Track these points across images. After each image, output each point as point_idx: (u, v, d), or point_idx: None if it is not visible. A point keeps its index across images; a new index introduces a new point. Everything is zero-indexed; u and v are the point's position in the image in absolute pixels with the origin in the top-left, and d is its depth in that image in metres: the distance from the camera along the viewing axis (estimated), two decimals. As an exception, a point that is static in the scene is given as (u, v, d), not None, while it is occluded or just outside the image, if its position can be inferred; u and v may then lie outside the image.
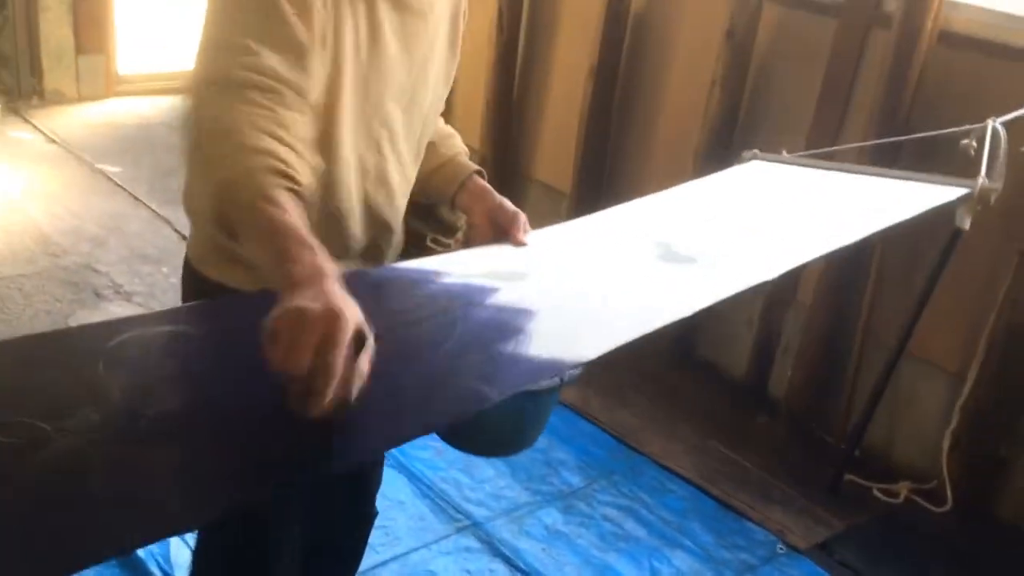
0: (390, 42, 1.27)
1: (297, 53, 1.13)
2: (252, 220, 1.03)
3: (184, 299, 1.43)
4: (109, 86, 5.12)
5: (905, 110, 2.60)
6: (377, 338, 0.98)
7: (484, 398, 1.06)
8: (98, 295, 3.26)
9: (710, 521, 2.53)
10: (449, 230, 3.92)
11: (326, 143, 1.24)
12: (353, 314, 0.94)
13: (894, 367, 2.61)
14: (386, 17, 1.26)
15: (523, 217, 1.48)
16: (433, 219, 4.11)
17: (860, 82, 2.75)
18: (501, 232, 1.47)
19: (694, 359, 3.28)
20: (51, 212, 3.81)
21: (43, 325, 3.05)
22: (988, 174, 1.98)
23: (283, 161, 1.06)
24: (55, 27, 4.83)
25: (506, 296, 1.25)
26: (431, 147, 1.52)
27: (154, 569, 2.13)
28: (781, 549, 2.45)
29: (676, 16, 3.22)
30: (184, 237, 3.55)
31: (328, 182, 1.27)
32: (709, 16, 3.04)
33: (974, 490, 2.64)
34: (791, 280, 2.97)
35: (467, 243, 1.51)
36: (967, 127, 2.14)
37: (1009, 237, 2.50)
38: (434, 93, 1.42)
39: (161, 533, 0.93)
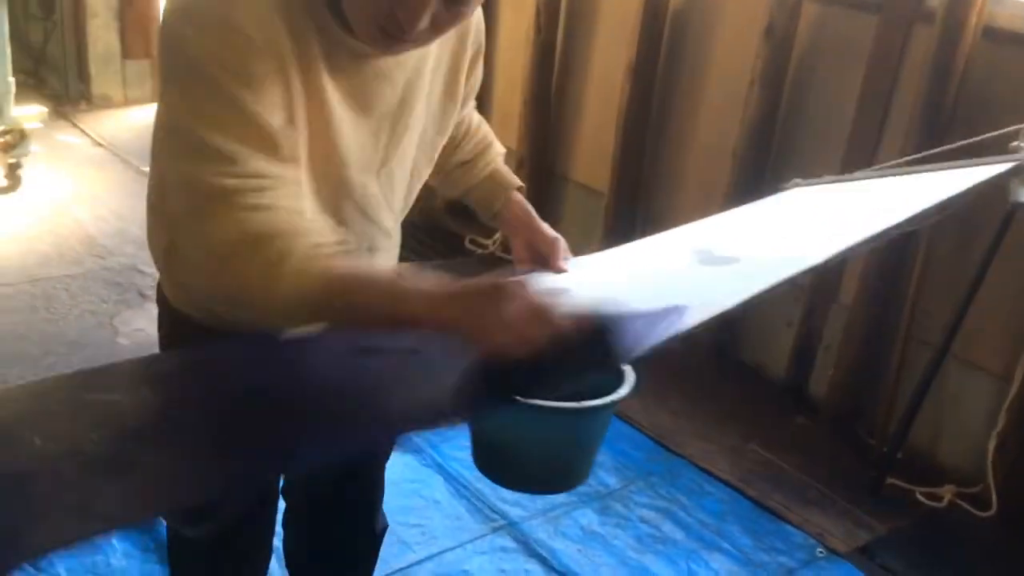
0: (338, 110, 1.18)
1: (272, 143, 1.08)
2: (332, 303, 1.02)
3: (160, 327, 1.44)
4: (155, 91, 5.21)
5: (949, 108, 2.56)
6: (414, 352, 1.01)
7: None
8: (142, 296, 3.31)
9: (748, 523, 2.50)
10: (487, 232, 3.93)
11: None
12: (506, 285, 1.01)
13: (938, 368, 2.57)
14: (330, 83, 1.16)
15: (563, 243, 1.49)
16: (471, 221, 4.12)
17: (902, 79, 2.71)
18: (541, 260, 1.48)
19: (733, 360, 3.25)
20: (97, 214, 3.88)
21: (89, 325, 3.11)
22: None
23: (311, 235, 1.06)
24: (102, 33, 4.92)
25: None
26: (466, 167, 1.53)
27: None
28: (821, 552, 2.42)
29: (715, 13, 3.19)
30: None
31: None
32: (748, 13, 3.01)
33: (1020, 494, 2.58)
34: (832, 280, 2.94)
35: (509, 257, 1.52)
36: (1016, 127, 2.09)
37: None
38: (421, 152, 1.35)
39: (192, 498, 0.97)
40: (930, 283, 2.67)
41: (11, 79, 3.90)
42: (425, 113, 1.31)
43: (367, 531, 1.74)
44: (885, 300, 2.79)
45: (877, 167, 2.37)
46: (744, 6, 3.06)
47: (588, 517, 2.46)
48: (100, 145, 4.59)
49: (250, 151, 1.06)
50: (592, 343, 1.02)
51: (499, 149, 1.58)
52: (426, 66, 1.28)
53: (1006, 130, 2.15)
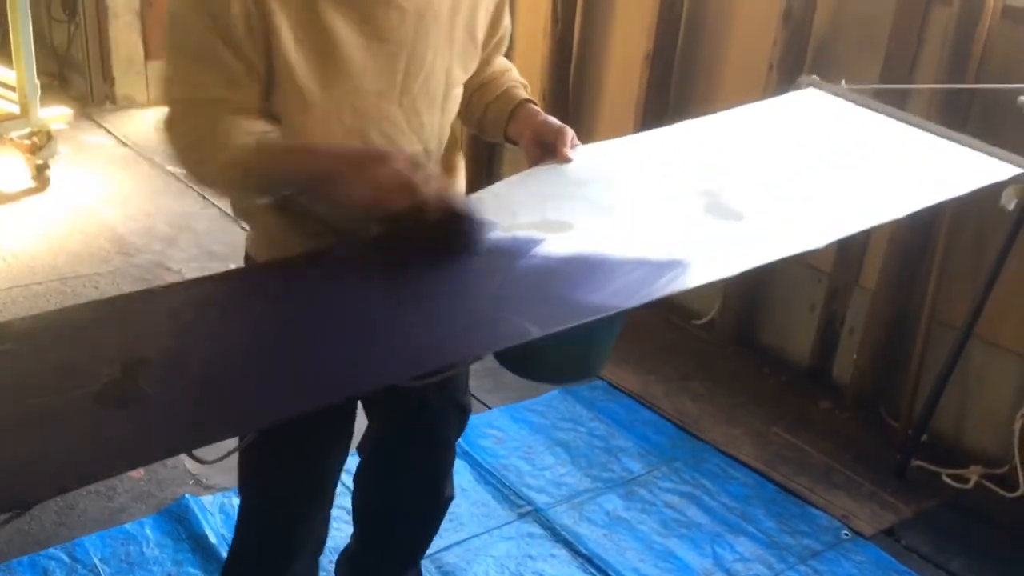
0: (345, 36, 1.31)
1: (230, 75, 1.30)
2: (259, 166, 1.31)
3: None
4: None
5: (968, 90, 2.54)
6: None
7: (526, 333, 1.15)
8: (169, 292, 3.35)
9: (773, 507, 2.51)
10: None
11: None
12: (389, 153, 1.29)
13: (962, 350, 2.56)
14: (332, 11, 1.30)
15: (570, 132, 1.54)
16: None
17: (921, 62, 2.70)
18: (549, 150, 1.52)
19: (756, 345, 3.26)
20: (124, 213, 3.93)
21: (118, 321, 3.15)
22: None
23: (248, 127, 1.31)
24: (125, 34, 4.97)
25: (552, 247, 1.32)
26: (482, 90, 1.59)
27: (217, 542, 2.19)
28: (846, 535, 2.43)
29: None
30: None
31: None
32: (766, -4, 3.01)
33: (1047, 475, 2.58)
34: (854, 263, 2.93)
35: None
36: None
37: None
38: (449, 81, 1.46)
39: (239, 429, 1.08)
40: (953, 264, 2.67)
41: (37, 81, 3.96)
42: (448, 50, 1.43)
43: (434, 495, 1.83)
44: (908, 283, 2.79)
45: (899, 87, 2.33)
46: (761, -10, 3.06)
47: (613, 503, 2.47)
48: (125, 145, 4.64)
49: (211, 79, 1.30)
50: (452, 225, 1.27)
51: (515, 78, 1.62)
52: (441, 3, 1.39)
53: (1018, 86, 2.14)
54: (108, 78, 5.02)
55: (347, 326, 1.15)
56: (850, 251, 2.93)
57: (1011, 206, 2.12)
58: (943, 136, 1.90)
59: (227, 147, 1.30)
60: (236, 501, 2.34)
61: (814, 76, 2.10)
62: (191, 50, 1.31)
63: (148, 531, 2.25)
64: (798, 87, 2.10)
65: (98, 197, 4.07)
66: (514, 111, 1.56)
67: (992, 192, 2.55)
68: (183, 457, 2.49)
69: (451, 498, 1.86)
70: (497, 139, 1.61)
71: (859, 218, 1.51)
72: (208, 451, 1.02)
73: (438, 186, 1.27)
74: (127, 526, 2.26)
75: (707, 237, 1.40)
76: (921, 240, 2.73)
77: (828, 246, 1.43)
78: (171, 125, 1.36)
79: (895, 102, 2.65)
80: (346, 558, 1.96)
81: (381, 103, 1.38)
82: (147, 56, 5.08)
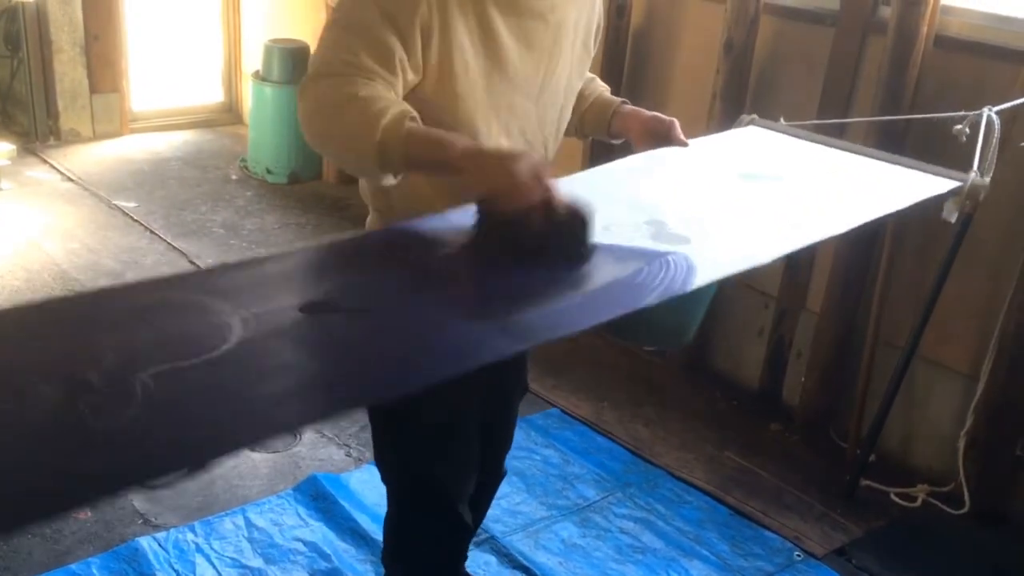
0: (507, 43, 1.51)
1: (386, 56, 1.41)
2: (406, 140, 1.35)
3: None
4: (123, 124, 5.21)
5: (904, 114, 2.62)
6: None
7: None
8: (116, 328, 3.30)
9: (726, 530, 2.53)
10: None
11: (467, 130, 1.52)
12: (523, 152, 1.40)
13: (906, 370, 2.62)
14: (499, 21, 1.49)
15: (677, 123, 1.73)
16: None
17: (859, 89, 2.77)
18: (663, 138, 1.73)
19: (707, 370, 3.29)
20: (69, 248, 3.88)
21: (63, 359, 3.09)
22: (980, 167, 1.99)
23: (404, 107, 1.38)
24: (69, 68, 4.92)
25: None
26: (578, 97, 1.76)
27: (176, 594, 2.16)
28: (798, 556, 2.45)
29: (675, 31, 3.26)
30: (198, 267, 3.63)
31: None
32: (707, 29, 3.07)
33: (992, 491, 2.63)
34: (800, 288, 2.99)
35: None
36: (963, 112, 2.16)
37: (1015, 236, 2.51)
38: (568, 86, 1.66)
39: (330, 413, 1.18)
40: (895, 287, 2.73)
41: (-22, 117, 3.91)
42: (570, 56, 1.64)
43: (496, 466, 2.02)
44: (852, 305, 2.85)
45: (837, 121, 2.40)
46: (703, 23, 3.13)
47: (568, 530, 2.48)
48: (70, 180, 4.59)
49: (364, 53, 1.40)
50: (572, 228, 1.33)
51: (601, 84, 1.83)
52: (570, 18, 1.59)
53: (953, 114, 2.24)
54: (52, 113, 4.96)
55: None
56: (796, 275, 2.98)
57: (952, 218, 2.19)
58: (881, 159, 1.95)
59: (383, 124, 1.35)
60: (191, 536, 2.32)
61: (754, 115, 2.16)
62: (357, 27, 1.42)
63: (95, 571, 2.20)
64: (740, 124, 2.15)
65: (42, 232, 4.01)
66: (616, 110, 1.76)
67: (933, 212, 2.63)
68: (130, 496, 2.46)
69: (505, 474, 2.07)
70: (598, 136, 1.83)
71: (803, 234, 1.55)
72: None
73: (560, 192, 1.36)
74: (73, 566, 2.21)
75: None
76: (864, 263, 2.79)
77: (774, 263, 1.47)
78: (316, 81, 1.41)
79: (834, 132, 2.73)
80: None
81: (527, 103, 1.59)
82: (92, 90, 5.03)
